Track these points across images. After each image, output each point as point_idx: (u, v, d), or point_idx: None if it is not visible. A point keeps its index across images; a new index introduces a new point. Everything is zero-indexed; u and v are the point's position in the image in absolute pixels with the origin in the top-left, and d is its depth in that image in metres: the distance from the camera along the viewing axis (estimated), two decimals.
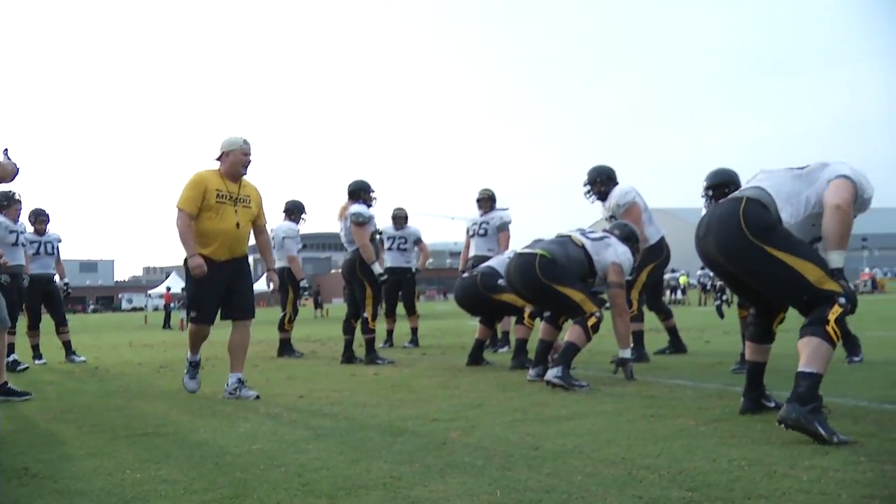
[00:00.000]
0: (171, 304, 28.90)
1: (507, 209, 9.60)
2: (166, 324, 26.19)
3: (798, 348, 3.58)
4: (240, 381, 5.70)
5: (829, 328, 3.52)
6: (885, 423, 3.80)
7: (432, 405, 4.82)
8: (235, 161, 5.67)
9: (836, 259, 3.68)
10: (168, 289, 34.12)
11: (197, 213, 5.56)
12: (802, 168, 3.98)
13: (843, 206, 3.67)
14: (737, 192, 4.00)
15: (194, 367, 6.04)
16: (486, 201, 9.58)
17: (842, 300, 3.57)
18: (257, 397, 5.52)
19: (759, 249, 3.69)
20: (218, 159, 5.73)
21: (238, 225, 5.67)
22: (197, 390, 5.97)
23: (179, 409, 5.15)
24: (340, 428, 4.18)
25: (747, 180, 4.21)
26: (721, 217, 3.87)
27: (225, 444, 3.79)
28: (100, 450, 3.75)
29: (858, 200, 3.80)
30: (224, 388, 5.74)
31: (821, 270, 3.62)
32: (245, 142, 5.70)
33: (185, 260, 5.56)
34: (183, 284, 40.15)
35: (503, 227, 9.33)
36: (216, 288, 5.68)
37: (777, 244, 3.67)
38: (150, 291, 76.09)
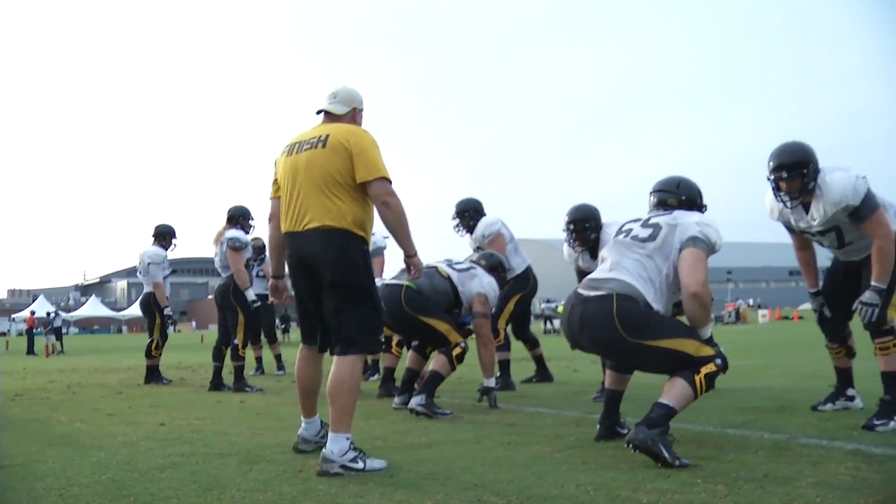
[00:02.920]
0: (36, 329, 27.61)
1: (387, 237, 9.60)
2: (30, 350, 25.01)
3: (664, 386, 3.76)
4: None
5: (697, 378, 3.71)
6: (724, 446, 4.03)
7: (295, 434, 4.79)
8: (360, 124, 4.24)
9: (705, 332, 3.92)
10: (32, 312, 32.58)
11: None
12: (653, 231, 4.07)
13: (699, 291, 3.84)
14: (602, 284, 3.97)
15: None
16: None
17: (718, 361, 3.78)
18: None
19: (637, 346, 3.81)
20: (340, 116, 4.15)
21: None
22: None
23: (30, 439, 4.94)
24: (198, 456, 4.12)
25: (602, 256, 4.28)
26: (594, 318, 3.90)
27: (73, 475, 3.67)
28: None
29: (710, 254, 4.01)
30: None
31: (696, 341, 3.81)
32: None
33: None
34: (50, 308, 38.43)
35: (377, 253, 9.23)
36: None
37: (654, 335, 3.80)
38: (13, 315, 72.54)
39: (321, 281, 3.88)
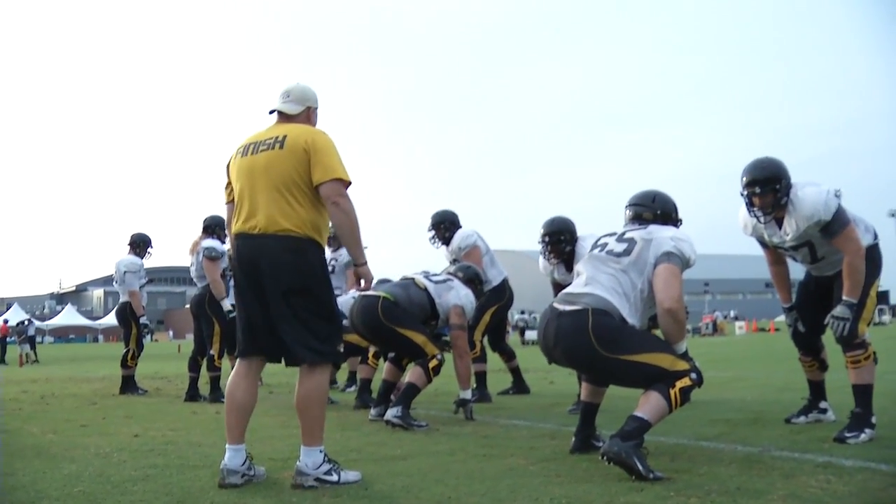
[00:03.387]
0: (10, 338, 27.31)
1: (365, 247, 9.52)
2: (2, 359, 24.77)
3: (640, 399, 3.78)
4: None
5: (672, 392, 3.74)
6: (697, 459, 4.06)
7: (269, 445, 4.79)
8: (315, 123, 4.07)
9: (680, 347, 3.94)
10: (5, 321, 32.24)
11: None
12: (627, 246, 4.10)
13: (674, 307, 3.88)
14: (578, 299, 3.99)
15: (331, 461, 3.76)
16: (335, 239, 9.11)
17: (693, 375, 3.81)
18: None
19: (613, 360, 3.83)
20: (294, 116, 3.96)
21: None
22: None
23: None
24: (171, 468, 4.10)
25: (577, 270, 4.29)
26: (570, 332, 3.91)
27: (44, 488, 3.64)
28: None
29: (684, 269, 4.05)
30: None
31: (671, 356, 3.84)
32: None
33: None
34: (24, 317, 37.94)
35: (350, 265, 9.12)
36: None
37: (629, 349, 3.82)
38: None
39: (273, 289, 3.68)
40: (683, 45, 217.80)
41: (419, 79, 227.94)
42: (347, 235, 3.78)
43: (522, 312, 39.11)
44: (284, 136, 3.76)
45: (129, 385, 9.42)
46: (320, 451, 3.62)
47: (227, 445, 3.73)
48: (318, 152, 3.70)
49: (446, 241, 7.69)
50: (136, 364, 9.59)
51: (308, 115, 4.00)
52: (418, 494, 3.37)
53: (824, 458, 3.93)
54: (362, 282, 3.99)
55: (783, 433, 4.82)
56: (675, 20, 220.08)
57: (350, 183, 3.75)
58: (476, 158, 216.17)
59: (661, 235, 4.08)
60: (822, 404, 5.23)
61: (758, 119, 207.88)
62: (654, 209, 4.37)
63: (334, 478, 3.59)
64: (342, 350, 3.89)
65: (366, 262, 3.92)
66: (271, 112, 3.99)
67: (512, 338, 32.62)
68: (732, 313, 62.38)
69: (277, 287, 3.67)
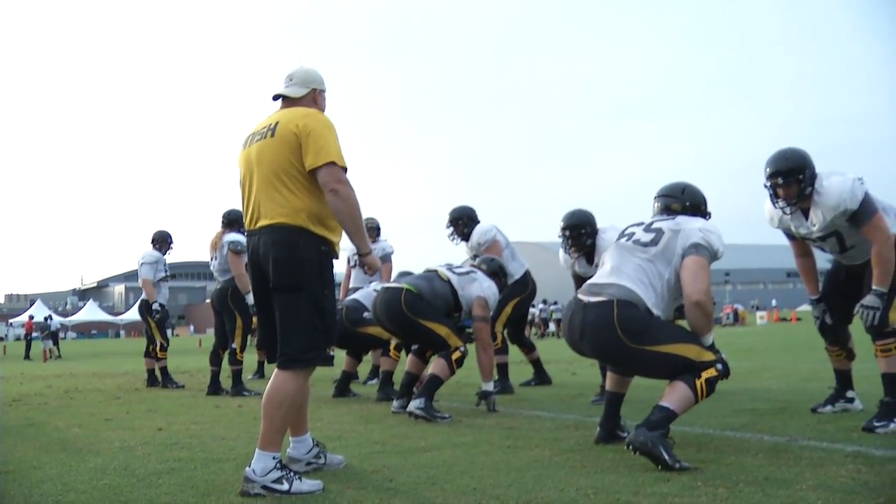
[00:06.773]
0: (34, 334, 27.58)
1: (385, 240, 9.53)
2: (27, 355, 25.01)
3: (665, 389, 3.76)
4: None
5: (699, 382, 3.71)
6: (724, 449, 4.02)
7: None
8: (323, 107, 3.89)
9: (707, 339, 3.90)
10: (30, 317, 32.56)
11: None
12: (655, 236, 4.06)
13: (701, 300, 3.84)
14: (602, 290, 3.96)
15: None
16: (371, 231, 9.00)
17: (719, 366, 3.79)
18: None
19: (639, 351, 3.81)
20: (298, 99, 3.77)
21: None
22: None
23: (26, 445, 4.93)
24: (195, 461, 4.11)
25: (602, 260, 4.26)
26: (595, 324, 3.89)
27: (70, 481, 3.66)
28: None
29: (712, 262, 4.01)
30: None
31: (697, 346, 3.82)
32: None
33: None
34: (47, 313, 38.36)
35: (385, 259, 8.98)
36: None
37: (655, 340, 3.79)
38: (11, 320, 72.31)
39: (270, 284, 3.54)
40: (700, 35, 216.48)
41: (438, 74, 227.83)
42: (348, 224, 3.55)
43: (545, 302, 38.58)
44: (276, 124, 3.60)
45: (165, 377, 9.59)
46: (273, 458, 3.37)
47: (289, 438, 3.85)
48: (311, 135, 3.50)
49: (465, 237, 7.64)
50: (166, 356, 9.69)
51: (314, 98, 3.81)
52: (444, 486, 3.36)
53: (853, 448, 3.88)
54: (366, 269, 3.80)
55: (810, 423, 4.77)
56: (692, 9, 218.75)
57: (346, 168, 3.56)
58: (495, 151, 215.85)
59: (690, 226, 4.04)
60: (849, 393, 5.17)
61: (779, 107, 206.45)
62: (682, 201, 4.33)
63: (284, 487, 3.32)
64: (329, 354, 3.64)
65: (370, 252, 3.71)
66: (275, 98, 3.81)
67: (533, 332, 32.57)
68: (774, 302, 61.38)
69: (270, 282, 3.55)
